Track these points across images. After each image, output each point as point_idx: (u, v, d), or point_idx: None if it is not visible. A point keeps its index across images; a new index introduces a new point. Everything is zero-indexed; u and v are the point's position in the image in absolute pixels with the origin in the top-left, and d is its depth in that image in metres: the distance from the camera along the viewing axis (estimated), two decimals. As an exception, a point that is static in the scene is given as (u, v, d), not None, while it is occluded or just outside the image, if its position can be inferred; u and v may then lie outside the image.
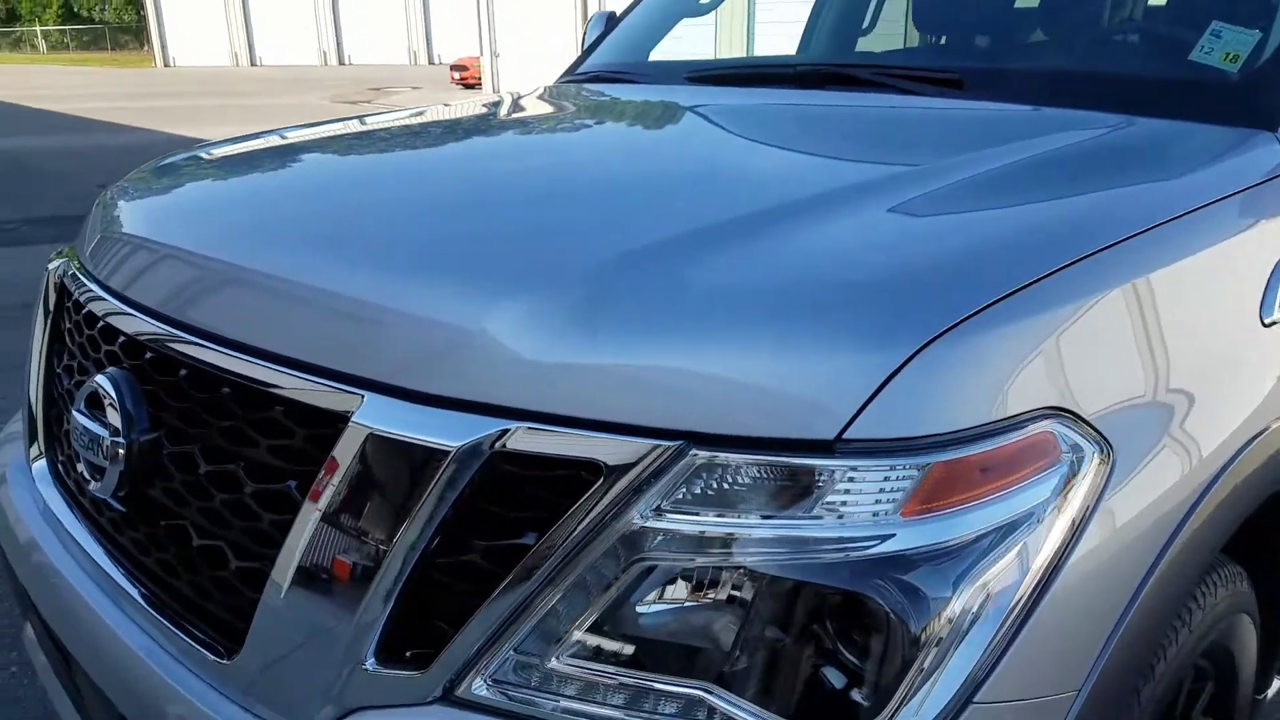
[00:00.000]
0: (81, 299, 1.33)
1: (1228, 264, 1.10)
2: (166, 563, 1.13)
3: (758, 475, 0.82)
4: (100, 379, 1.18)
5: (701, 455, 0.82)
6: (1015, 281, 0.90)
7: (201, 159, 1.64)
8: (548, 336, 0.89)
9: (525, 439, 0.86)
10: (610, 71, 2.20)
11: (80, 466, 1.28)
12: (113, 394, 1.15)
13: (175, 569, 1.12)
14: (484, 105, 2.11)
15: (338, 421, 0.95)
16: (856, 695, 0.80)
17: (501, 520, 0.89)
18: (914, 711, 0.79)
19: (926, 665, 0.80)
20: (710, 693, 0.82)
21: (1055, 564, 0.84)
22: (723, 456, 0.82)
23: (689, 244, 0.99)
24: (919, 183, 1.14)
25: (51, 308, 1.48)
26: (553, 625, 0.87)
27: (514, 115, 1.94)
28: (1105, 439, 0.89)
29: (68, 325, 1.40)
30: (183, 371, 1.11)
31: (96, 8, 58.03)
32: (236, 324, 1.06)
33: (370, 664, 0.92)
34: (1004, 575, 0.82)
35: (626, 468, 0.83)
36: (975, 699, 0.80)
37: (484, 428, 0.87)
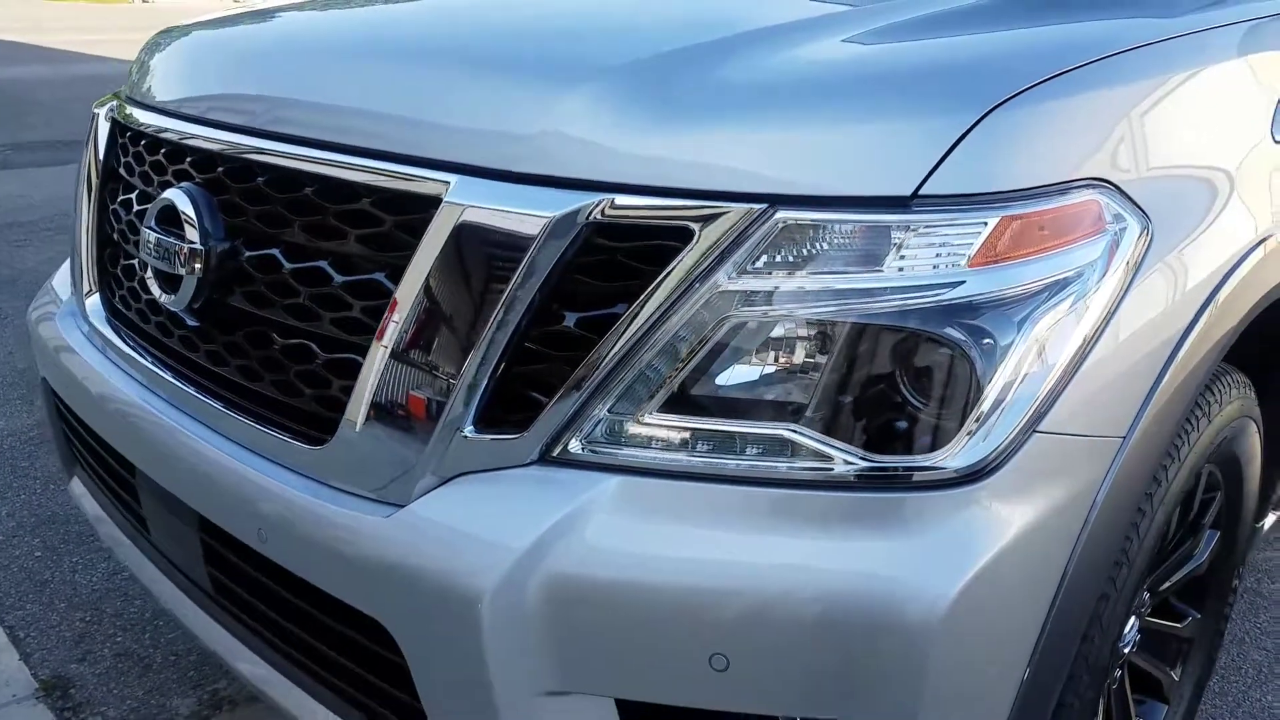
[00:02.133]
0: (143, 127, 1.36)
1: (1242, 82, 1.18)
2: (246, 368, 1.19)
3: (839, 231, 0.88)
4: (173, 193, 1.22)
5: (785, 215, 0.88)
6: (1066, 63, 0.96)
7: (243, 12, 1.66)
8: (633, 112, 0.94)
9: (616, 208, 0.92)
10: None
11: (148, 289, 1.33)
12: (188, 206, 1.20)
13: (256, 372, 1.18)
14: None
15: (428, 205, 1.00)
16: (931, 423, 0.87)
17: (592, 289, 0.94)
18: (984, 436, 0.87)
19: (994, 398, 0.87)
20: (796, 432, 0.89)
21: (1104, 320, 0.92)
22: (806, 215, 0.88)
23: (748, 40, 1.04)
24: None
25: (102, 147, 1.51)
26: (644, 384, 0.93)
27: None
28: (1145, 213, 0.97)
29: (125, 159, 1.44)
30: (261, 178, 1.15)
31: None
32: (318, 125, 1.10)
33: (469, 431, 0.98)
34: (1060, 325, 0.89)
35: (713, 230, 0.89)
36: (1038, 428, 0.88)
37: (577, 200, 0.93)
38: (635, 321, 0.92)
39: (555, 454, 0.96)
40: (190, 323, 1.25)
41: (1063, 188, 0.90)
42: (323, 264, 1.10)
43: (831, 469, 0.89)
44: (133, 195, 1.42)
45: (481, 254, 0.96)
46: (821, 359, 0.89)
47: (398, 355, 1.01)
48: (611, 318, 0.94)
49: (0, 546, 2.42)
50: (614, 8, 1.26)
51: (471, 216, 0.97)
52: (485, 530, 0.95)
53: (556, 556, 0.91)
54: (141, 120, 1.38)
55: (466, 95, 1.02)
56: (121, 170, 1.45)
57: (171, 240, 1.21)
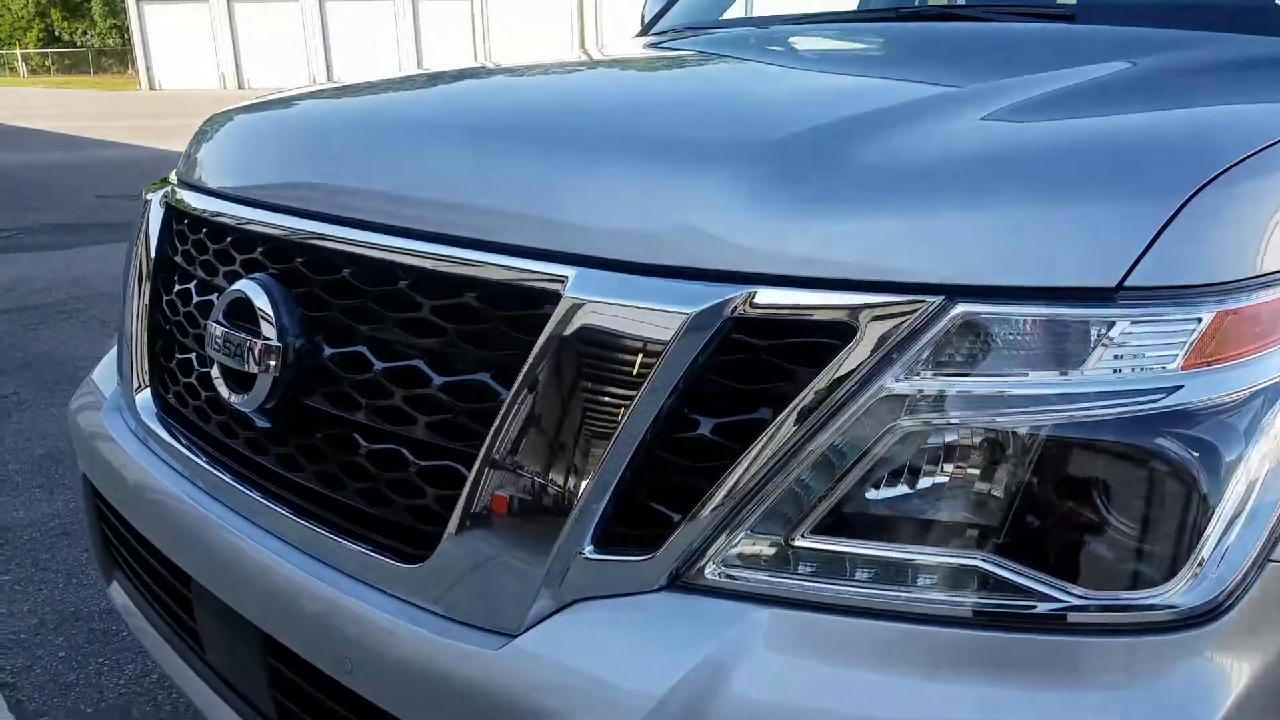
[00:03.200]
0: (205, 214, 1.28)
1: None
2: (325, 474, 1.07)
3: (1030, 329, 0.77)
4: (245, 285, 1.12)
5: (966, 309, 0.78)
6: (1257, 140, 0.87)
7: (315, 89, 1.58)
8: (778, 196, 0.84)
9: (763, 302, 0.82)
10: (692, 28, 2.17)
11: (210, 386, 1.23)
12: (262, 299, 1.10)
13: (337, 479, 1.06)
14: (588, 53, 2.08)
15: (544, 300, 0.90)
16: (1151, 553, 0.75)
17: (736, 393, 0.83)
18: (1213, 567, 0.74)
19: (1220, 522, 0.75)
20: (987, 561, 0.77)
21: None
22: (990, 310, 0.77)
23: (884, 117, 0.95)
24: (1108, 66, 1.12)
25: (155, 234, 1.42)
26: (795, 501, 0.81)
27: (621, 55, 1.90)
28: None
29: (183, 247, 1.35)
30: (346, 269, 1.05)
31: (79, 32, 57.94)
32: (412, 214, 1.01)
33: (589, 551, 0.86)
34: (1287, 434, 0.78)
35: (879, 326, 0.79)
36: (1273, 556, 0.76)
37: (717, 294, 0.83)
38: (784, 428, 0.81)
39: (688, 579, 0.85)
40: (260, 424, 1.14)
41: (1276, 277, 0.80)
42: (418, 363, 0.99)
43: (1033, 606, 0.76)
44: (191, 285, 1.32)
45: (605, 353, 0.86)
46: (1009, 476, 0.78)
47: (507, 464, 0.90)
48: (755, 424, 0.83)
49: (24, 645, 2.28)
50: (727, 87, 1.18)
51: (594, 312, 0.86)
52: (613, 671, 0.83)
53: (698, 706, 0.78)
54: (202, 206, 1.30)
55: (587, 181, 0.93)
56: (178, 259, 1.36)
57: (243, 335, 1.10)
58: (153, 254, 1.42)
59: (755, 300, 0.82)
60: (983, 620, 0.77)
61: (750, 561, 0.83)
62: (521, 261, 0.92)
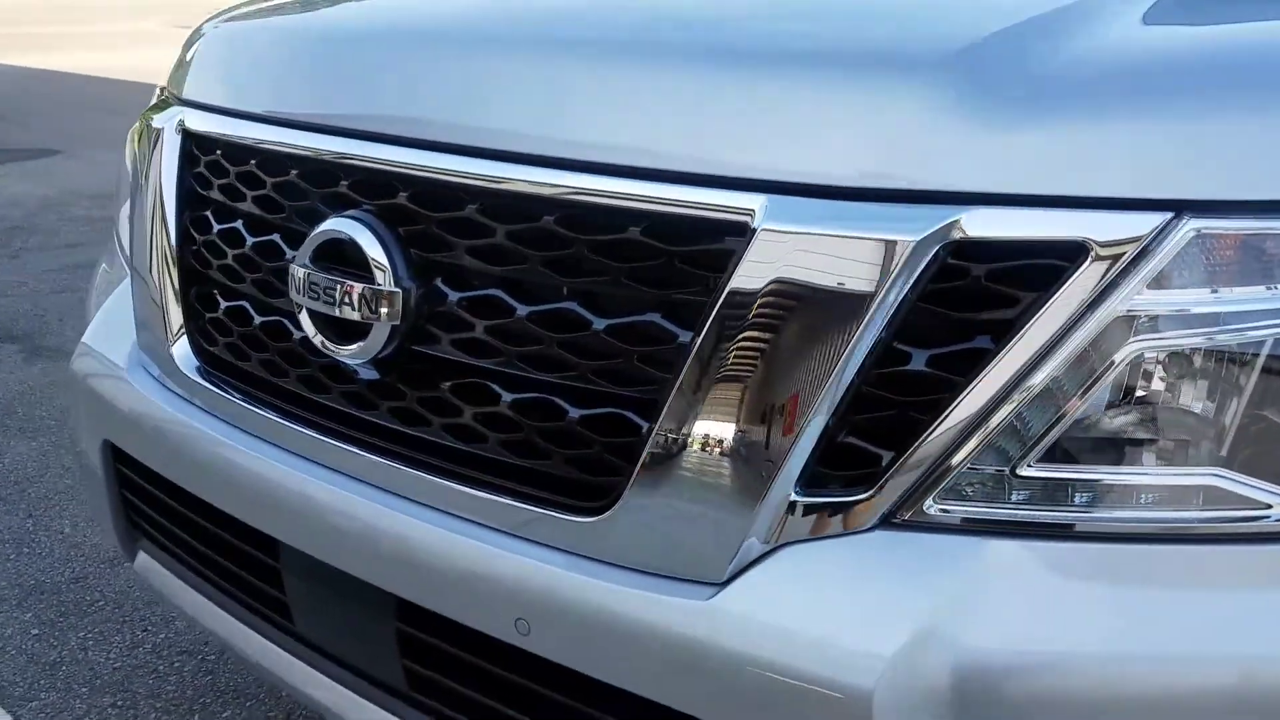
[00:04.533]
0: (255, 144, 1.14)
1: None
2: (460, 428, 1.00)
3: (1263, 243, 0.77)
4: (343, 224, 1.01)
5: (1198, 225, 0.76)
6: None
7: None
8: (992, 104, 0.80)
9: (994, 223, 0.78)
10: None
11: (283, 335, 1.12)
12: (370, 240, 1.00)
13: (474, 433, 0.99)
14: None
15: (729, 232, 0.84)
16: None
17: (953, 322, 0.81)
18: None
19: None
20: (1221, 477, 0.78)
21: None
22: (1224, 225, 0.77)
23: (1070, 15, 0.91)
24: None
25: (174, 166, 1.27)
26: (1021, 430, 0.80)
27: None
28: None
29: (220, 181, 1.21)
30: (473, 204, 0.96)
31: None
32: (563, 138, 0.92)
33: (798, 494, 0.83)
34: None
35: (1111, 245, 0.77)
36: None
37: (940, 215, 0.79)
38: (1010, 356, 0.79)
39: (904, 517, 0.83)
40: (366, 375, 1.05)
41: None
42: (572, 305, 0.92)
43: (1266, 516, 0.78)
44: (237, 224, 1.20)
45: (808, 288, 0.81)
46: (1238, 390, 0.78)
47: (699, 410, 0.85)
48: (973, 354, 0.80)
49: (-13, 627, 2.11)
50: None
51: (794, 245, 0.81)
52: (844, 615, 0.81)
53: (943, 643, 0.77)
54: (248, 134, 1.16)
55: (774, 95, 0.86)
56: (214, 194, 1.22)
57: (344, 280, 1.00)
58: (173, 190, 1.28)
59: (975, 222, 0.79)
60: (1217, 534, 0.79)
61: (975, 495, 0.81)
62: (699, 191, 0.85)
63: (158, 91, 1.58)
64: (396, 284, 0.99)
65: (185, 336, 1.27)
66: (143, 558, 1.45)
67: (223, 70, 1.26)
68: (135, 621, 2.14)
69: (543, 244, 0.93)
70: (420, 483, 1.01)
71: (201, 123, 1.25)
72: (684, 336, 0.86)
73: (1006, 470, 0.81)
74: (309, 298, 1.03)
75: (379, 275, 0.99)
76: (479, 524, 0.97)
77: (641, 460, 0.87)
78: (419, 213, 0.99)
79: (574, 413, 0.93)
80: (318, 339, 1.05)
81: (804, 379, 0.82)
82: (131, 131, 1.78)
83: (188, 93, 1.32)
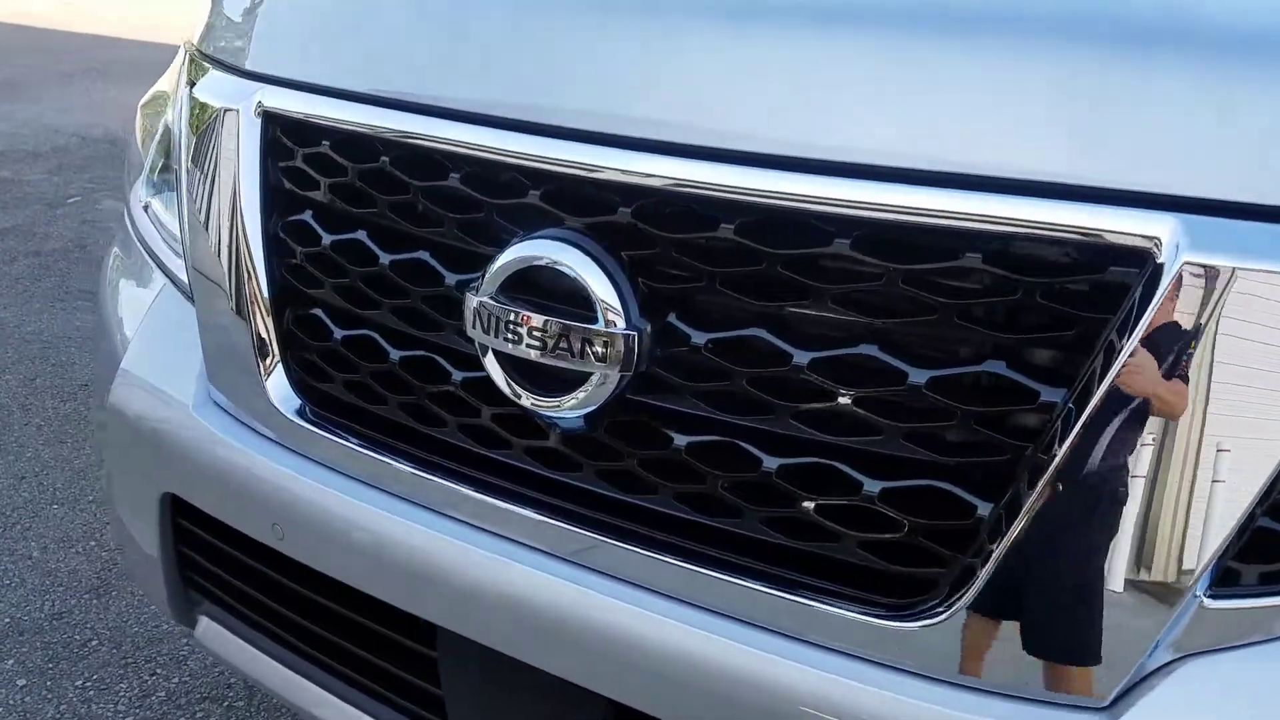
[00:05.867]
0: (393, 135, 0.90)
1: None
2: (700, 497, 0.81)
3: None
4: (552, 248, 0.80)
5: None
6: None
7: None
8: None
9: None
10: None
11: (437, 376, 0.90)
12: (589, 269, 0.79)
13: (721, 504, 0.80)
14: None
15: (1116, 261, 0.66)
16: None
17: None
18: None
19: None
20: None
21: None
22: None
23: None
24: None
25: (254, 159, 1.02)
26: None
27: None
28: None
29: (330, 180, 0.97)
30: (732, 223, 0.76)
31: None
32: (869, 141, 0.72)
33: (1204, 595, 0.67)
34: None
35: None
36: None
37: None
38: None
39: None
40: (570, 430, 0.84)
41: None
42: (873, 350, 0.73)
43: None
44: (357, 234, 0.96)
45: (1246, 340, 0.64)
46: None
47: (1080, 483, 0.67)
48: None
49: (-35, 680, 1.82)
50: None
51: (1240, 283, 0.63)
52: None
53: None
54: (379, 124, 0.92)
55: (1170, 86, 0.67)
56: (324, 195, 0.99)
57: (561, 320, 0.79)
58: (255, 188, 1.03)
59: None
60: None
61: None
62: (1077, 210, 0.67)
63: (184, 54, 1.31)
64: (629, 324, 0.78)
65: (281, 369, 1.03)
66: (208, 625, 1.22)
67: (332, 36, 1.00)
68: (140, 664, 1.88)
69: (832, 274, 0.74)
70: (645, 563, 0.81)
71: (296, 104, 1.00)
72: (1048, 393, 0.69)
73: None
74: (503, 338, 0.82)
75: (607, 313, 0.78)
76: (723, 614, 0.78)
77: (989, 549, 0.70)
78: (651, 234, 0.79)
79: (871, 485, 0.75)
80: (508, 386, 0.84)
81: (1229, 447, 0.65)
82: (148, 103, 1.50)
83: (264, 63, 1.06)
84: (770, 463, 0.78)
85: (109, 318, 1.35)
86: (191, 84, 1.20)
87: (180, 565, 1.20)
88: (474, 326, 0.84)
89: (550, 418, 0.84)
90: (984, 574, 0.70)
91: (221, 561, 1.14)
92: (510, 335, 0.81)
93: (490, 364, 0.84)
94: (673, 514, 0.82)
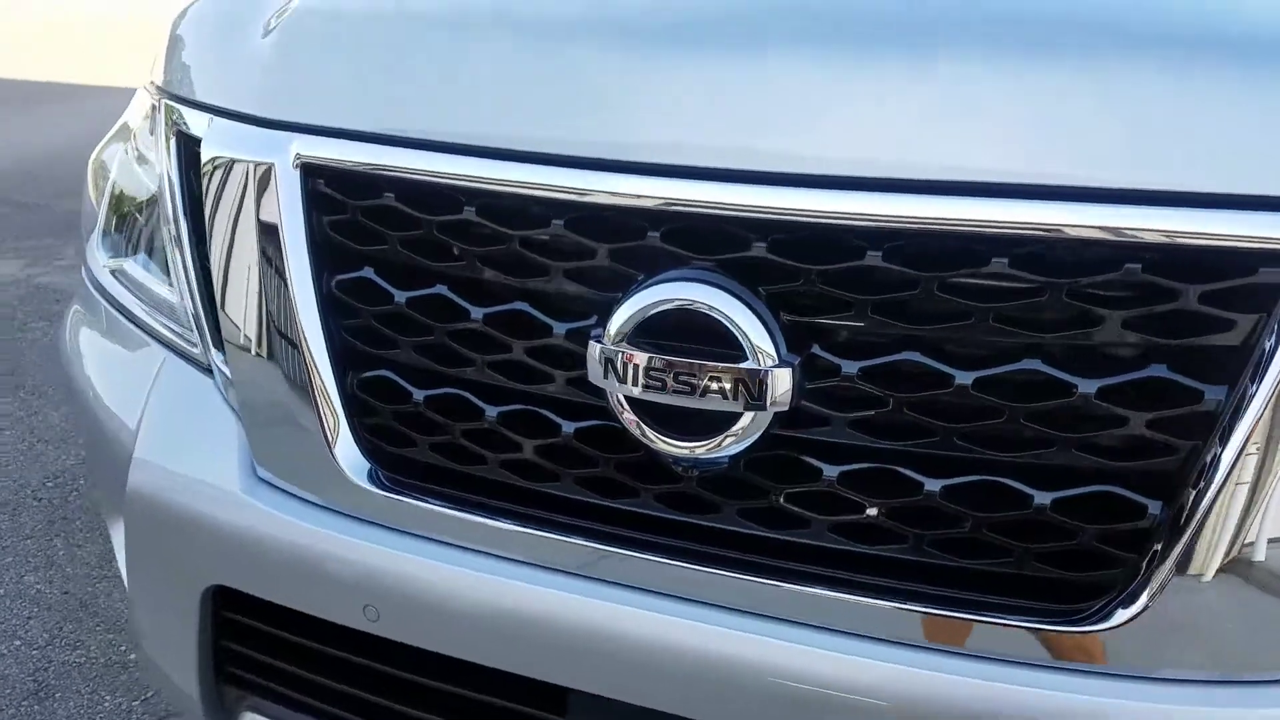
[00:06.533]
0: (489, 184, 0.85)
1: None
2: (861, 527, 0.80)
3: None
4: (690, 289, 0.77)
5: None
6: None
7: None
8: None
9: None
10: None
11: (539, 429, 0.86)
12: (736, 306, 0.77)
13: (887, 533, 0.79)
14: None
15: (1266, 263, 0.69)
16: None
17: None
18: None
19: None
20: None
21: None
22: None
23: None
24: None
25: (297, 216, 0.95)
26: None
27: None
28: None
29: (399, 234, 0.91)
30: (878, 250, 0.75)
31: None
32: (1012, 162, 0.73)
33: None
34: None
35: None
36: None
37: None
38: None
39: None
40: (708, 472, 0.82)
41: None
42: (1037, 364, 0.74)
43: None
44: (437, 288, 0.91)
45: None
46: None
47: (1251, 476, 0.70)
48: None
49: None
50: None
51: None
52: None
53: None
54: (456, 171, 0.87)
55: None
56: (392, 250, 0.92)
57: (707, 361, 0.77)
58: (303, 247, 0.95)
59: None
60: None
61: None
62: (1227, 218, 0.69)
63: (153, 99, 1.20)
64: (779, 361, 0.77)
65: (350, 438, 0.96)
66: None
67: (382, 76, 0.93)
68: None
69: (989, 293, 0.74)
70: (815, 601, 0.80)
71: (344, 153, 0.93)
72: (1213, 393, 0.71)
73: None
74: (643, 385, 0.78)
75: (755, 352, 0.76)
76: (898, 642, 0.78)
77: (1169, 548, 0.72)
78: (792, 267, 0.77)
79: (1041, 497, 0.76)
80: (641, 432, 0.81)
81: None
82: (120, 157, 1.36)
83: (291, 110, 0.97)
84: (931, 485, 0.78)
85: (89, 400, 1.23)
86: (179, 133, 1.11)
87: (219, 661, 1.10)
88: (606, 375, 0.80)
89: (690, 460, 0.81)
90: (1159, 573, 0.72)
91: (279, 652, 1.06)
92: (653, 381, 0.78)
93: (623, 411, 0.81)
94: (829, 547, 0.81)
